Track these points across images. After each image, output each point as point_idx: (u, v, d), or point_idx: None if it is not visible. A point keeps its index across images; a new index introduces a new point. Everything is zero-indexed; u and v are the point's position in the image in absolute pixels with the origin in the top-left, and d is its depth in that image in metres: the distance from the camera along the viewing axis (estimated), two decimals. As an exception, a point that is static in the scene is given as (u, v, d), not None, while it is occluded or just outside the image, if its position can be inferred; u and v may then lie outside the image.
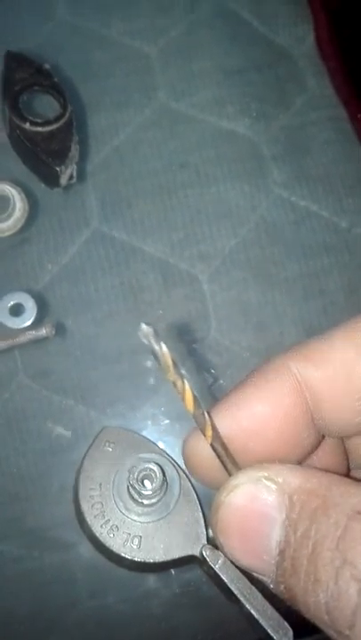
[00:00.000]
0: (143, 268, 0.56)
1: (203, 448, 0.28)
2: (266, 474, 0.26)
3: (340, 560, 0.23)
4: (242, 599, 0.37)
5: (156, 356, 0.25)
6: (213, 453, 0.27)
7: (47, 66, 0.50)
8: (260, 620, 0.36)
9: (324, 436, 0.30)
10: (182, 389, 0.26)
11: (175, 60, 0.61)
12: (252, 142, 0.59)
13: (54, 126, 0.47)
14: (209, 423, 0.27)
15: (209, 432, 0.27)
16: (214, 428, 0.27)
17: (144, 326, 0.25)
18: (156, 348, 0.24)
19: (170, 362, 0.25)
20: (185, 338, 0.55)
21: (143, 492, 0.40)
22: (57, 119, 0.47)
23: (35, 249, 0.55)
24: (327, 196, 0.58)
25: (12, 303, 0.45)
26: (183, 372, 0.28)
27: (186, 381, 0.26)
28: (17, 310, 0.45)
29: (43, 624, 0.49)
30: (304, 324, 0.56)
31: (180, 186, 0.58)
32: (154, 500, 0.41)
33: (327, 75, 0.62)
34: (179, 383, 0.26)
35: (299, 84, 0.62)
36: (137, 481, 0.40)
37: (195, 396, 0.26)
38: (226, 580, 0.37)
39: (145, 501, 0.40)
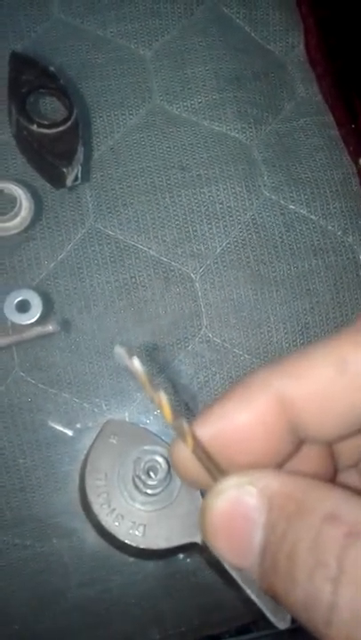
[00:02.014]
0: (137, 265, 0.57)
1: (187, 454, 0.29)
2: (248, 479, 0.27)
3: (314, 561, 0.24)
4: (242, 584, 0.39)
5: (132, 374, 0.26)
6: (197, 461, 0.29)
7: (52, 68, 0.51)
8: (260, 605, 0.38)
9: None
10: (159, 403, 0.27)
11: (169, 63, 0.62)
12: (244, 146, 0.61)
13: (61, 128, 0.48)
14: (189, 433, 0.28)
15: (190, 441, 0.28)
16: (195, 438, 0.28)
17: (118, 348, 0.26)
18: (132, 367, 0.26)
19: (145, 379, 0.26)
20: (176, 335, 0.57)
21: (149, 482, 0.42)
22: (64, 121, 0.48)
23: (39, 246, 0.56)
24: (315, 200, 0.60)
25: (18, 300, 0.46)
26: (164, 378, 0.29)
27: (163, 395, 0.27)
28: (23, 307, 0.46)
29: (46, 608, 0.51)
30: (292, 322, 0.58)
31: (173, 186, 0.59)
32: (158, 490, 0.42)
33: (315, 81, 0.64)
34: (156, 397, 0.27)
35: (289, 89, 0.64)
36: (143, 472, 0.42)
37: (173, 408, 0.27)
38: (226, 566, 0.39)
39: (149, 491, 0.42)
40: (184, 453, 0.29)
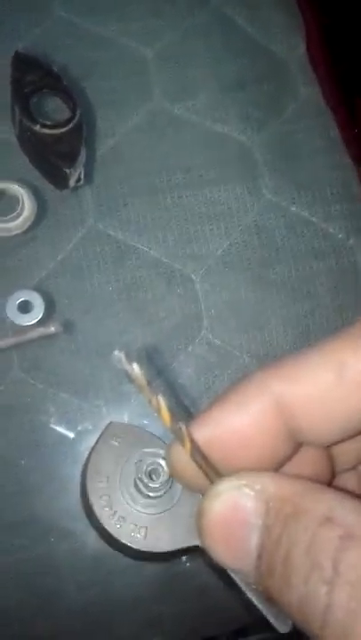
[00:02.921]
0: (138, 266, 0.57)
1: (184, 457, 0.29)
2: (245, 482, 0.27)
3: (310, 564, 0.24)
4: (243, 587, 0.39)
5: (130, 378, 0.26)
6: (194, 464, 0.29)
7: (56, 69, 0.51)
8: (261, 608, 0.38)
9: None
10: (157, 407, 0.27)
11: (171, 64, 0.62)
12: (245, 147, 0.61)
13: (64, 129, 0.48)
14: (187, 436, 0.28)
15: (187, 444, 0.28)
16: (192, 441, 0.28)
17: (116, 353, 0.26)
18: (130, 372, 0.26)
19: (143, 383, 0.26)
20: (177, 336, 0.57)
21: (151, 484, 0.42)
22: (67, 122, 0.48)
23: (39, 246, 0.56)
24: (316, 203, 0.60)
25: (20, 300, 0.46)
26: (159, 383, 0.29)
27: (161, 398, 0.27)
28: (25, 307, 0.46)
29: (46, 610, 0.51)
30: (293, 324, 0.58)
31: (174, 186, 0.59)
32: (160, 493, 0.42)
33: (317, 83, 0.64)
34: (153, 401, 0.27)
35: (290, 91, 0.64)
36: (145, 474, 0.42)
37: (171, 411, 0.27)
38: (228, 570, 0.39)
39: (151, 494, 0.42)
40: (181, 456, 0.29)
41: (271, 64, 0.64)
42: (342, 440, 0.30)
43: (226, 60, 0.63)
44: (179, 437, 0.28)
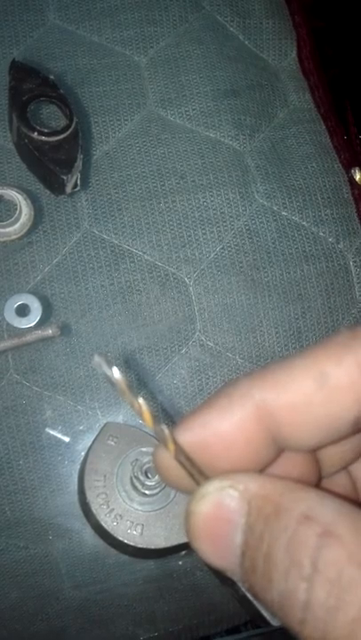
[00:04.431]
0: (132, 269, 0.58)
1: (169, 459, 0.29)
2: (230, 482, 0.28)
3: (289, 561, 0.25)
4: (237, 582, 0.40)
5: (110, 382, 0.27)
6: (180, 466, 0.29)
7: (52, 77, 0.52)
8: (256, 604, 0.39)
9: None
10: (139, 410, 0.28)
11: (164, 70, 0.63)
12: (237, 152, 0.62)
13: (61, 136, 0.49)
14: (170, 439, 0.28)
15: (171, 446, 0.28)
16: (176, 443, 0.29)
17: (96, 357, 0.27)
18: (110, 376, 0.27)
19: (124, 386, 0.27)
20: (171, 338, 0.58)
21: (147, 483, 0.43)
22: (64, 129, 0.49)
23: (34, 250, 0.56)
24: (307, 207, 0.62)
25: (18, 304, 0.47)
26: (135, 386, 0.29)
27: (142, 401, 0.28)
28: (22, 311, 0.47)
29: (44, 608, 0.51)
30: (284, 326, 0.59)
31: (168, 191, 0.60)
32: (155, 491, 0.43)
33: (308, 89, 0.66)
34: (135, 404, 0.28)
35: (281, 97, 0.65)
36: (141, 473, 0.43)
37: (153, 414, 0.28)
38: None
39: (147, 492, 0.43)
40: (167, 458, 0.30)
41: (263, 70, 0.65)
42: (324, 446, 0.31)
43: (219, 66, 0.64)
44: (162, 439, 0.28)
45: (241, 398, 0.29)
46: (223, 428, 0.29)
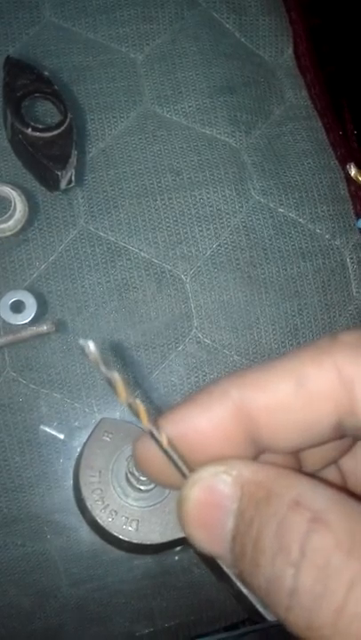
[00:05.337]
0: (129, 267, 0.58)
1: (152, 451, 0.29)
2: (224, 468, 0.28)
3: (278, 546, 0.25)
4: (233, 578, 0.40)
5: (85, 355, 0.27)
6: (161, 457, 0.29)
7: (47, 73, 0.52)
8: (251, 598, 0.39)
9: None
10: (114, 383, 0.28)
11: (160, 67, 0.63)
12: (233, 149, 0.62)
13: (55, 132, 0.49)
14: (157, 428, 0.29)
15: (163, 438, 0.29)
16: (159, 431, 0.29)
17: (81, 341, 0.27)
18: (84, 346, 0.27)
19: (98, 359, 0.27)
20: (167, 335, 0.58)
21: (142, 478, 0.43)
22: (58, 125, 0.49)
23: (30, 247, 0.56)
24: (304, 204, 0.61)
25: (13, 300, 0.47)
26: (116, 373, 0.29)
27: (116, 375, 0.28)
28: (18, 307, 0.47)
29: (43, 605, 0.51)
30: (281, 323, 0.59)
31: (164, 188, 0.60)
32: (150, 487, 0.43)
33: (304, 86, 0.66)
34: (111, 377, 0.27)
35: (278, 94, 0.65)
36: (136, 469, 0.43)
37: (127, 389, 0.28)
38: (218, 560, 0.40)
39: (142, 487, 0.43)
40: (146, 450, 0.30)
41: (259, 67, 0.65)
42: (303, 449, 0.31)
43: (215, 63, 0.64)
44: (135, 413, 0.29)
45: (220, 396, 0.29)
46: (202, 424, 0.29)
